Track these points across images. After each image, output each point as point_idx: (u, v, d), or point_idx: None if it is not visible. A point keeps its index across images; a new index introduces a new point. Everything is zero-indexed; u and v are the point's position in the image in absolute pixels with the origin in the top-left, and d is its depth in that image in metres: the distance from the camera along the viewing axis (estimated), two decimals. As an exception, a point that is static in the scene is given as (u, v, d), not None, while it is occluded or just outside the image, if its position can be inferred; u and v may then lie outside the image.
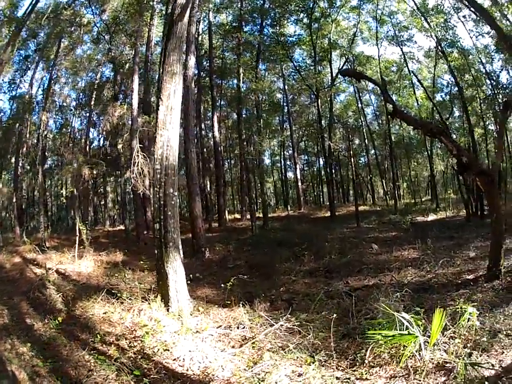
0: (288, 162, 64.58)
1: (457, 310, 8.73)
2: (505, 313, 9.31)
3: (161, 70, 15.22)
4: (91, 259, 19.66)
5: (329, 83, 44.21)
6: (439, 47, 36.54)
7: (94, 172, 25.61)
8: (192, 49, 25.13)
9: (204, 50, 40.45)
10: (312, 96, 46.83)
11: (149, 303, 11.64)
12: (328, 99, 44.46)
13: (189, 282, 13.20)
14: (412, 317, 8.06)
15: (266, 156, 66.30)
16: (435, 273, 14.77)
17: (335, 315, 9.72)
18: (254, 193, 51.58)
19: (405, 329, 7.88)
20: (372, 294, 11.92)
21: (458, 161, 13.39)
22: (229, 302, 12.03)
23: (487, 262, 13.49)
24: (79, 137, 48.60)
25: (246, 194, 42.92)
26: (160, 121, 12.46)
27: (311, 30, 39.40)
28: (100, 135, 48.07)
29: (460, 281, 13.24)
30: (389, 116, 17.60)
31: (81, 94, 45.92)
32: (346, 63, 43.82)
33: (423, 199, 51.93)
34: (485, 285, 11.96)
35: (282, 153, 62.19)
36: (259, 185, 42.48)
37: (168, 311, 11.51)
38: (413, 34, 41.39)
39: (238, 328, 10.40)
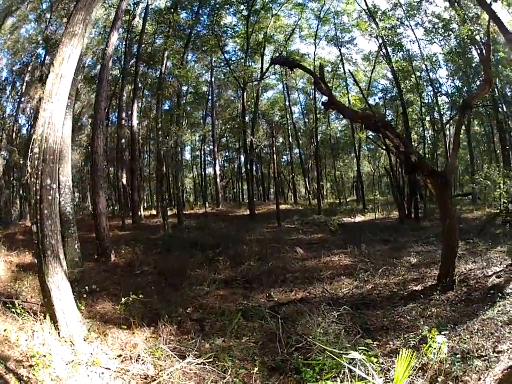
0: (208, 158, 62.16)
1: (417, 336, 7.78)
2: (470, 329, 8.27)
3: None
4: (1, 260, 16.15)
5: (258, 77, 41.97)
6: (382, 51, 35.94)
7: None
8: (118, 25, 22.36)
9: (136, 35, 36.84)
10: (239, 90, 44.63)
11: (41, 324, 8.66)
12: (255, 94, 42.89)
13: (84, 296, 10.74)
14: (362, 352, 6.45)
15: (187, 151, 65.61)
16: (374, 284, 13.12)
17: (259, 342, 8.56)
18: (170, 189, 50.08)
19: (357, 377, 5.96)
20: (301, 312, 10.06)
21: (406, 160, 12.19)
22: (127, 325, 9.41)
23: (433, 269, 13.34)
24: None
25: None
26: (46, 92, 8.96)
27: (248, 23, 37.13)
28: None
29: (406, 293, 11.79)
30: (323, 107, 14.86)
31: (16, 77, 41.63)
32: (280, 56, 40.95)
33: (348, 200, 51.21)
34: (438, 297, 10.70)
35: (202, 148, 60.20)
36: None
37: (59, 335, 8.49)
38: (355, 37, 41.90)
39: (137, 362, 7.89)
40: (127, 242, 22.23)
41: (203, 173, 60.96)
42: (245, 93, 39.67)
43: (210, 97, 51.58)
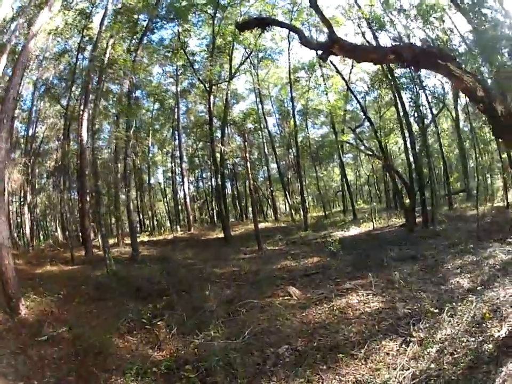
0: (179, 179, 54.44)
1: None
2: None
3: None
4: None
5: (227, 78, 35.84)
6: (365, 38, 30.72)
7: None
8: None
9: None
10: (205, 96, 38.40)
11: None
12: (224, 98, 37.08)
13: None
14: None
15: (159, 173, 61.20)
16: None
17: None
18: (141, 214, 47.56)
19: None
20: None
21: (489, 110, 6.84)
22: None
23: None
24: None
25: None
26: None
27: (214, 21, 31.86)
28: None
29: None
30: (321, 56, 7.70)
31: None
32: (250, 57, 36.72)
33: (333, 211, 46.01)
34: None
35: (173, 169, 52.60)
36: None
37: None
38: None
39: None
40: (55, 284, 16.01)
41: (175, 195, 54.28)
42: (211, 97, 33.84)
43: (176, 111, 46.47)
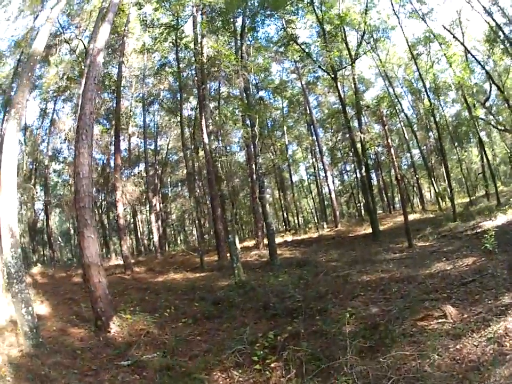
0: (322, 174, 53.02)
1: None
2: None
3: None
4: None
5: (348, 62, 34.37)
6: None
7: None
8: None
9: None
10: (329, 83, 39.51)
11: None
12: (352, 83, 35.37)
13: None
14: None
15: (301, 170, 62.03)
16: None
17: None
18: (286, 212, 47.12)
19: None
20: None
21: None
22: None
23: None
24: None
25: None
26: None
27: (313, 6, 30.39)
28: None
29: None
30: None
31: None
32: (363, 38, 33.71)
33: (477, 196, 42.60)
34: None
35: (313, 163, 52.94)
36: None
37: None
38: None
39: None
40: (167, 296, 16.57)
41: (319, 190, 54.14)
42: (339, 84, 32.46)
43: (307, 106, 46.03)
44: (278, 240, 31.75)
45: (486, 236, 15.74)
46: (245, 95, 28.78)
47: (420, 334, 8.93)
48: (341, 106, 33.52)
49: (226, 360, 9.04)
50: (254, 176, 31.42)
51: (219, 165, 26.66)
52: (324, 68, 33.27)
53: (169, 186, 52.48)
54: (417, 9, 33.34)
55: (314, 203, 60.17)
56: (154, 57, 35.58)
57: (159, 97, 39.40)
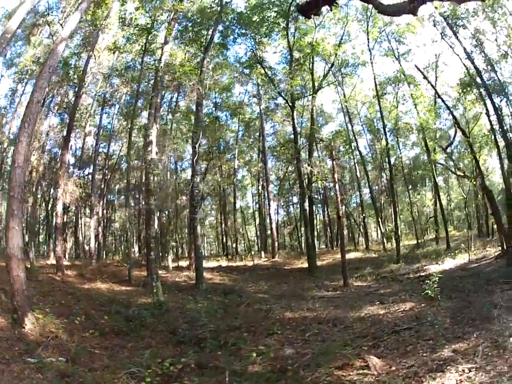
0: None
1: None
2: None
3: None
4: None
5: (310, 93, 33.91)
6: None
7: None
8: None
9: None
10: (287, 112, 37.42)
11: None
12: (310, 113, 34.14)
13: None
14: None
15: (248, 196, 60.38)
16: None
17: None
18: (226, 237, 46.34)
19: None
20: None
21: None
22: None
23: None
24: None
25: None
26: None
27: (288, 33, 30.65)
28: None
29: None
30: (411, 11, 4.71)
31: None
32: (332, 71, 34.69)
33: (425, 239, 41.77)
34: None
35: (259, 191, 51.52)
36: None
37: None
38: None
39: None
40: (86, 304, 15.25)
41: (263, 219, 52.28)
42: (295, 114, 31.81)
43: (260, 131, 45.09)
44: (213, 264, 31.35)
45: (428, 281, 14.68)
46: (195, 110, 27.80)
47: (335, 385, 7.60)
48: (293, 134, 32.83)
49: (119, 380, 8.35)
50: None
51: (152, 177, 25.14)
52: (283, 95, 32.49)
53: (116, 193, 50.49)
54: (395, 48, 33.65)
55: (256, 231, 59.05)
56: (123, 58, 33.85)
57: (120, 100, 37.53)
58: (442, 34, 27.95)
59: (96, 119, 38.25)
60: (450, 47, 27.56)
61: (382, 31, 33.37)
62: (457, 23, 25.63)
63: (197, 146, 24.22)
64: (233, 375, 8.11)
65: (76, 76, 31.40)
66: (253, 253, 42.98)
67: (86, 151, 40.18)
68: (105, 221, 42.77)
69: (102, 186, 39.27)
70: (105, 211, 41.93)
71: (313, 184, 32.06)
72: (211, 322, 12.43)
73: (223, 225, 46.69)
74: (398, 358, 8.62)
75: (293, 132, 32.53)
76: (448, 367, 7.61)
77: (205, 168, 35.18)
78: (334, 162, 26.60)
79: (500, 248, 22.31)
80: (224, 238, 47.77)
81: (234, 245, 49.10)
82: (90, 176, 37.02)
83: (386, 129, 35.61)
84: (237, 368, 8.49)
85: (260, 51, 31.74)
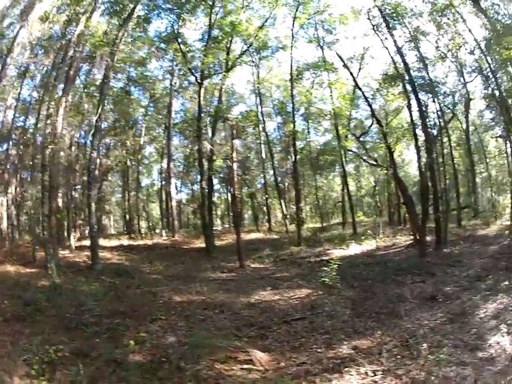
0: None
1: None
2: None
3: None
4: None
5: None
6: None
7: None
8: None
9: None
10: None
11: None
12: (219, 90, 33.71)
13: None
14: None
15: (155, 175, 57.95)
16: None
17: None
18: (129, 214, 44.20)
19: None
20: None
21: None
22: None
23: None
24: None
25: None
26: None
27: (212, 9, 29.62)
28: None
29: None
30: None
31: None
32: (249, 52, 34.46)
33: (331, 223, 42.38)
34: None
35: (162, 168, 50.14)
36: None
37: None
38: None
39: None
40: None
41: (166, 197, 49.16)
42: (202, 90, 30.84)
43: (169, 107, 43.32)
44: (115, 243, 30.07)
45: (326, 269, 13.89)
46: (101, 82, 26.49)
47: (216, 380, 6.83)
48: (197, 111, 32.16)
49: (18, 368, 7.43)
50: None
51: (49, 152, 23.53)
52: (193, 72, 31.53)
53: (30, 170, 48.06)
54: (321, 36, 33.84)
55: (161, 209, 57.52)
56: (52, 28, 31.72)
57: (42, 72, 35.37)
58: (376, 28, 26.99)
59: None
60: (382, 42, 26.79)
61: (311, 17, 32.69)
62: (395, 20, 25.15)
63: (96, 119, 22.87)
64: (112, 364, 7.29)
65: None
66: (157, 231, 42.65)
67: (5, 125, 38.14)
68: (18, 199, 40.77)
69: (16, 162, 37.20)
70: (17, 189, 39.88)
71: (216, 163, 31.38)
72: (99, 306, 11.53)
73: (126, 203, 45.10)
74: (288, 352, 7.90)
75: (198, 109, 31.52)
76: (347, 368, 6.91)
77: (112, 144, 34.33)
78: (233, 141, 26.11)
79: (412, 237, 22.38)
80: (128, 216, 46.14)
81: (138, 224, 47.70)
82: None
83: (300, 114, 36.20)
84: (118, 357, 7.59)
85: (180, 27, 30.69)
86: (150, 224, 52.00)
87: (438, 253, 18.97)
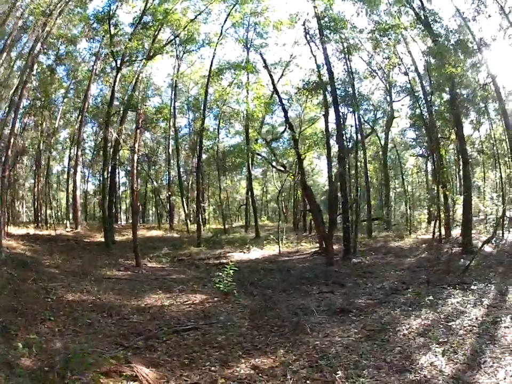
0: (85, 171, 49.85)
1: None
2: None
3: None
4: None
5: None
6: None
7: None
8: None
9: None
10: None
11: None
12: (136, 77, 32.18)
13: None
14: None
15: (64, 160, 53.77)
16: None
17: None
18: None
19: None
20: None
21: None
22: None
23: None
24: None
25: None
26: None
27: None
28: None
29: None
30: None
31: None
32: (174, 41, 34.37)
33: (234, 225, 42.98)
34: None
35: (70, 153, 47.32)
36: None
37: None
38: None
39: None
40: None
41: (73, 186, 47.96)
42: (119, 75, 30.52)
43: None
44: (23, 231, 28.42)
45: (221, 274, 13.48)
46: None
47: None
48: (110, 97, 31.15)
49: None
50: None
51: None
52: (114, 55, 30.15)
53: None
54: (250, 38, 34.23)
55: (67, 199, 55.27)
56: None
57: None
58: (309, 37, 26.73)
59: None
60: (311, 51, 26.71)
61: (246, 17, 32.89)
62: (331, 30, 24.91)
63: (12, 92, 22.84)
64: (5, 368, 6.53)
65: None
66: (65, 222, 40.23)
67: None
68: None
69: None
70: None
71: (125, 155, 29.88)
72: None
73: (35, 189, 42.74)
74: (178, 369, 7.24)
75: (110, 95, 30.46)
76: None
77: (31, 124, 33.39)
78: (137, 130, 25.42)
79: (317, 245, 22.69)
80: (36, 204, 44.23)
81: (45, 212, 45.83)
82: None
83: (212, 112, 36.56)
84: (11, 359, 6.93)
85: (117, 7, 29.75)
86: (58, 213, 50.00)
87: (347, 262, 19.23)
